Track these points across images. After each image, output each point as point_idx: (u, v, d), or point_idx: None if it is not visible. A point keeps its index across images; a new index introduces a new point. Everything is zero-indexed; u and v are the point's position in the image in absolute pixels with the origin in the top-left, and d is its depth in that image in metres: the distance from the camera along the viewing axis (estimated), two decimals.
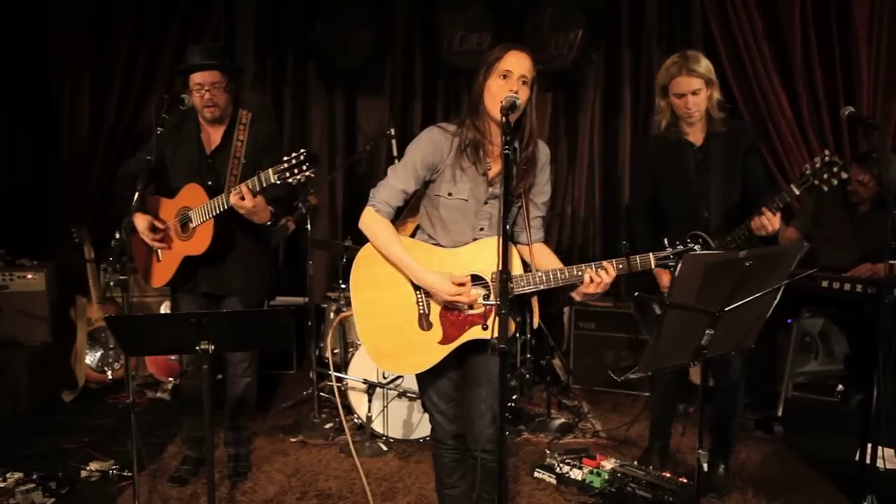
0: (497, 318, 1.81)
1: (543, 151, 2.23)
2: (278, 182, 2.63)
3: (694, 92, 2.84)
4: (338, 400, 2.93)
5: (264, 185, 2.68)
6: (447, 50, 5.09)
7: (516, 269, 2.12)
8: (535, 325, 2.37)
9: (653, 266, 2.09)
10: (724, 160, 2.92)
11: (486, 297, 2.11)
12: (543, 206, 2.28)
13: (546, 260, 2.24)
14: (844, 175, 2.57)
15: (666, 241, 2.11)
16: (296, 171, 2.57)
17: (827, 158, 2.54)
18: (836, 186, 3.88)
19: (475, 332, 2.14)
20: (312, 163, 2.56)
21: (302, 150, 2.57)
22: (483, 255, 2.14)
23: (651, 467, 3.12)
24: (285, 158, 2.59)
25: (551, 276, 2.09)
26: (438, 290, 2.11)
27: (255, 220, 2.84)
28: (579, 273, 2.07)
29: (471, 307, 2.13)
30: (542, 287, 2.10)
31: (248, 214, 2.78)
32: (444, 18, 5.08)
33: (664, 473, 3.02)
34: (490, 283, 2.13)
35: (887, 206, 3.69)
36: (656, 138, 3.06)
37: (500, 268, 1.82)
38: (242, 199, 2.71)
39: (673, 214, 3.00)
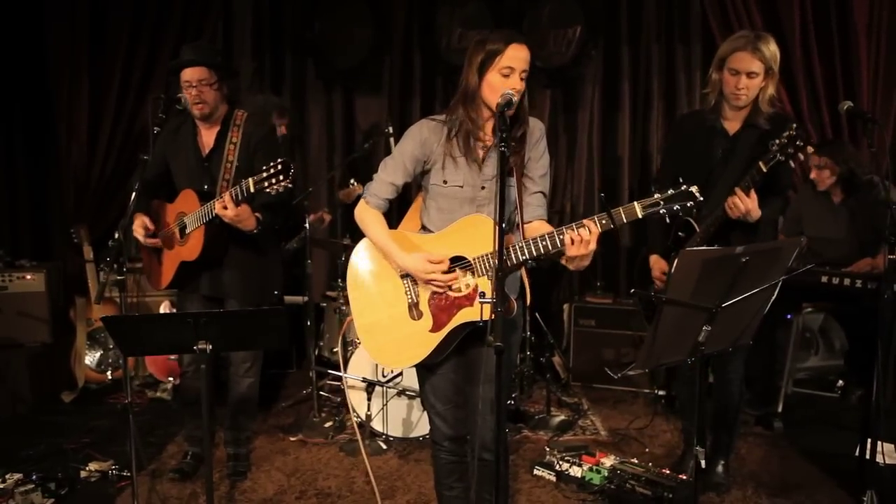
0: (490, 306, 1.79)
1: (536, 126, 2.20)
2: (255, 191, 2.63)
3: (750, 74, 2.71)
4: (348, 398, 2.92)
5: (245, 194, 2.68)
6: (445, 47, 5.06)
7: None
8: (528, 302, 2.35)
9: (639, 215, 1.91)
10: (749, 156, 2.78)
11: (482, 295, 2.07)
12: (542, 180, 2.21)
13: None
14: (810, 149, 2.54)
15: (653, 188, 1.95)
16: (273, 181, 2.57)
17: (791, 133, 2.52)
18: (811, 185, 3.92)
19: (465, 315, 2.09)
20: (288, 173, 2.55)
21: (279, 161, 2.57)
22: (466, 235, 2.11)
23: (657, 468, 3.07)
24: (263, 168, 2.59)
25: (532, 246, 2.02)
26: (414, 271, 2.12)
27: (241, 227, 2.84)
28: (560, 237, 1.98)
29: (451, 288, 2.11)
30: (524, 257, 2.03)
31: (232, 223, 2.79)
32: (441, 16, 5.06)
33: (663, 470, 3.01)
34: (472, 262, 2.09)
35: (859, 190, 3.77)
36: (694, 115, 2.99)
37: (497, 265, 1.81)
38: (225, 208, 2.72)
39: None
